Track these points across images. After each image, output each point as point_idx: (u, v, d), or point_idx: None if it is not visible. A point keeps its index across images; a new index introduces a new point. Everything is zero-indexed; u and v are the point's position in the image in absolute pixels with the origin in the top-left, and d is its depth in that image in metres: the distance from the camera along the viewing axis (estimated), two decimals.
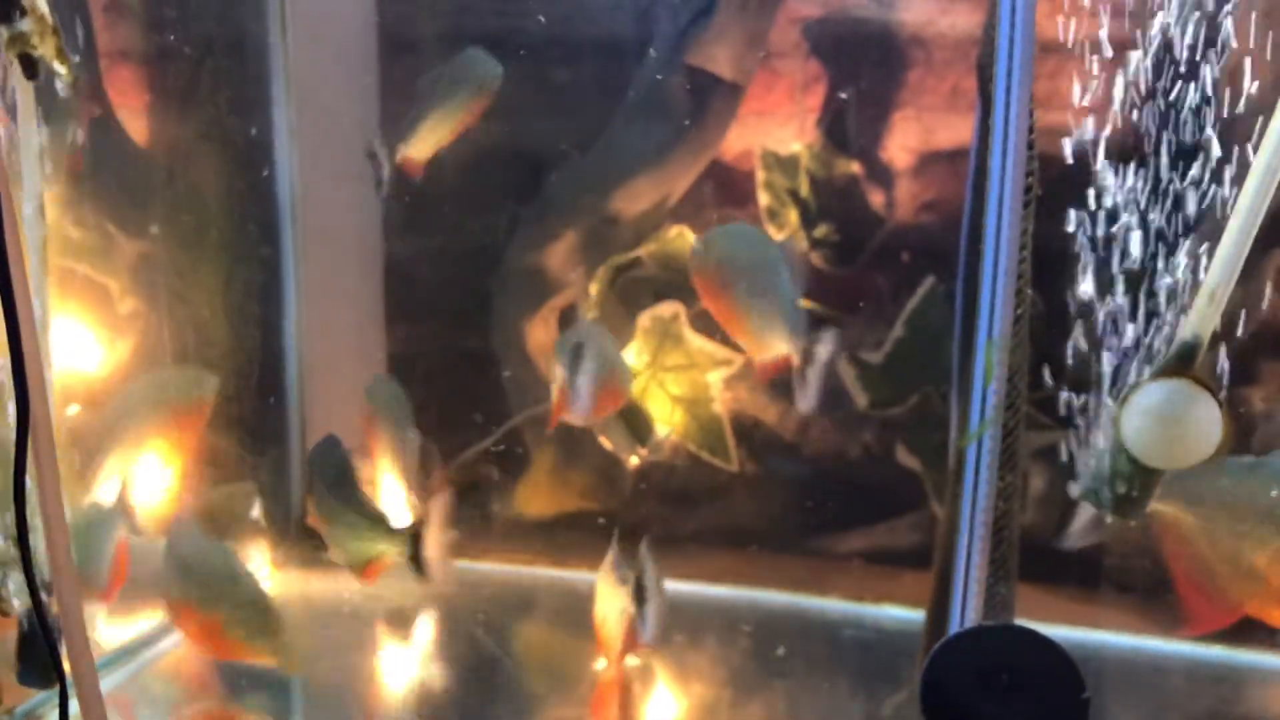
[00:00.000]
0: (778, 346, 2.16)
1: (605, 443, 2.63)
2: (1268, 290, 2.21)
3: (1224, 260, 1.13)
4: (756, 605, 2.59)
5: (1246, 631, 2.31)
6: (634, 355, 2.58)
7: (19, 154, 2.00)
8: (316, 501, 2.24)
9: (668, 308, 2.55)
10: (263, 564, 2.65)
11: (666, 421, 2.57)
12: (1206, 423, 1.15)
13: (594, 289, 2.66)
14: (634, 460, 2.61)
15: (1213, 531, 1.54)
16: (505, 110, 2.81)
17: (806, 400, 2.08)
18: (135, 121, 2.77)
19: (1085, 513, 1.62)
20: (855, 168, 2.87)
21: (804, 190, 2.81)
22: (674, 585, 2.59)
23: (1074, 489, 1.23)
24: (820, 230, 2.80)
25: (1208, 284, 1.15)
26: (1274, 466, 1.54)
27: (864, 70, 2.79)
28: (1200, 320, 1.15)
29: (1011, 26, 1.17)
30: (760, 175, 2.80)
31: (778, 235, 2.78)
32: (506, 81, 2.78)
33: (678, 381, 2.54)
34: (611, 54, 2.71)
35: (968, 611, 1.24)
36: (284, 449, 2.74)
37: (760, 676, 2.35)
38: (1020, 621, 1.79)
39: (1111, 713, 2.21)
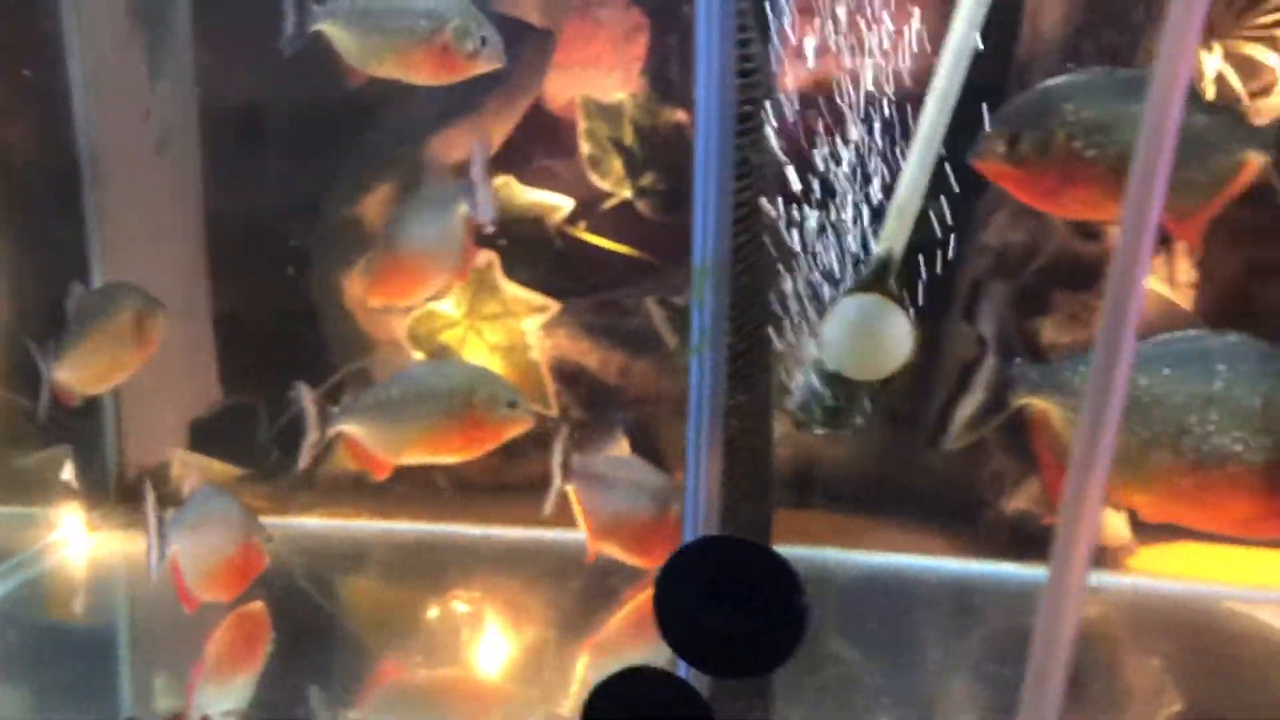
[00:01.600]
0: None
1: None
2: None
3: (909, 180, 1.19)
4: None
5: (1040, 548, 2.43)
6: (451, 305, 2.58)
7: None
8: None
9: (481, 256, 2.56)
10: (76, 526, 2.61)
11: None
12: (898, 334, 1.21)
13: None
14: None
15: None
16: (319, 62, 2.77)
17: None
18: None
19: (960, 414, 1.68)
20: (681, 116, 2.90)
21: (628, 139, 2.83)
22: (505, 532, 2.62)
23: (789, 404, 1.28)
24: (645, 179, 2.83)
25: (895, 203, 1.20)
26: (1142, 357, 1.62)
27: (687, 18, 2.81)
28: (891, 237, 1.21)
29: None
30: (582, 124, 2.81)
31: (601, 183, 2.80)
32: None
33: (494, 330, 2.55)
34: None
35: (697, 527, 1.28)
36: (98, 412, 2.69)
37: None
38: (778, 543, 1.86)
39: (920, 632, 2.32)
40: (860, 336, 1.19)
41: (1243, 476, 1.54)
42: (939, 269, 1.29)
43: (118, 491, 2.71)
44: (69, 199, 2.59)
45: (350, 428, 2.21)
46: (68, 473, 2.62)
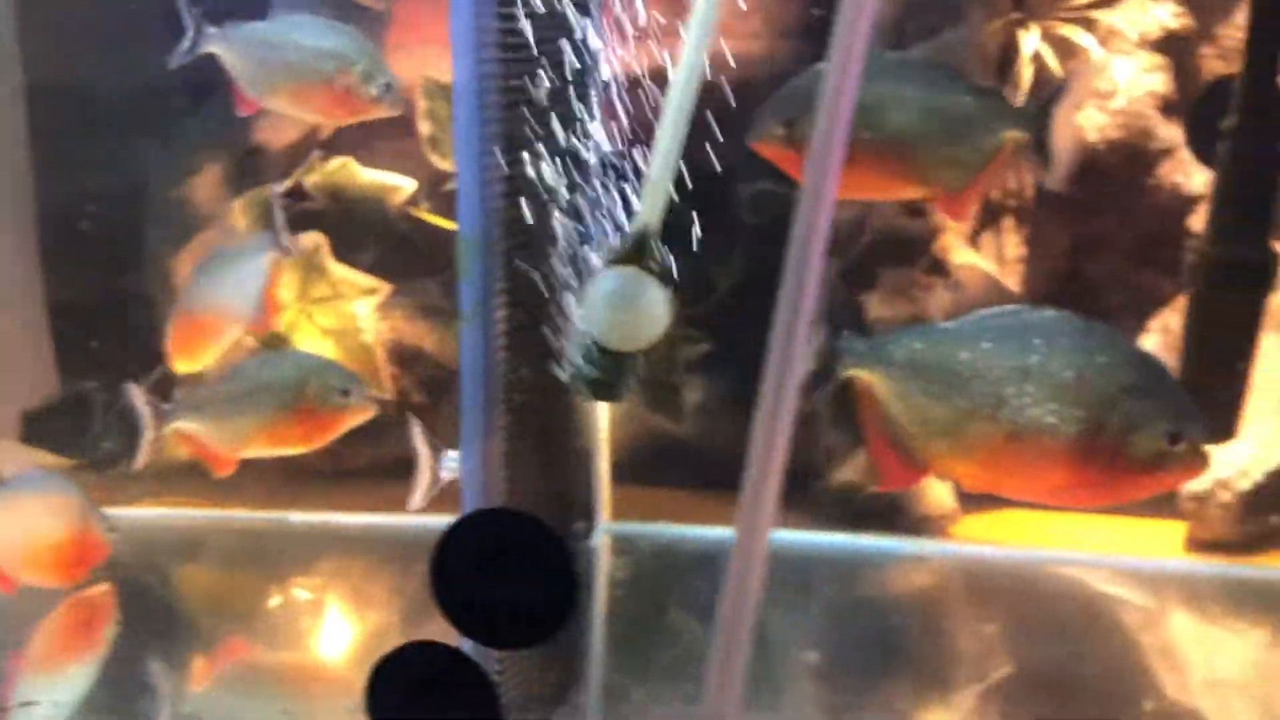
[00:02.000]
0: None
1: None
2: None
3: (661, 155, 1.20)
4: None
5: (864, 519, 2.49)
6: (283, 289, 2.55)
7: None
8: None
9: (309, 239, 2.53)
10: None
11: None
12: (655, 306, 1.23)
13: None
14: None
15: (904, 393, 1.66)
16: (146, 42, 2.71)
17: None
18: None
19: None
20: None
21: None
22: (344, 519, 2.60)
23: (562, 375, 1.29)
24: None
25: (650, 178, 1.22)
26: (964, 331, 1.67)
27: None
28: (647, 211, 1.23)
29: None
30: (421, 104, 2.79)
31: (441, 163, 2.78)
32: (149, 11, 2.68)
33: (325, 314, 2.53)
34: None
35: (475, 500, 1.28)
36: None
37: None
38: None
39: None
40: (619, 309, 1.21)
41: (1056, 447, 1.60)
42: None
43: None
44: None
45: (187, 425, 2.18)
46: None
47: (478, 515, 1.34)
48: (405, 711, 1.37)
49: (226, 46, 2.20)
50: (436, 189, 2.82)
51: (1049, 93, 1.77)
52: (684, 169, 1.27)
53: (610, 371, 1.23)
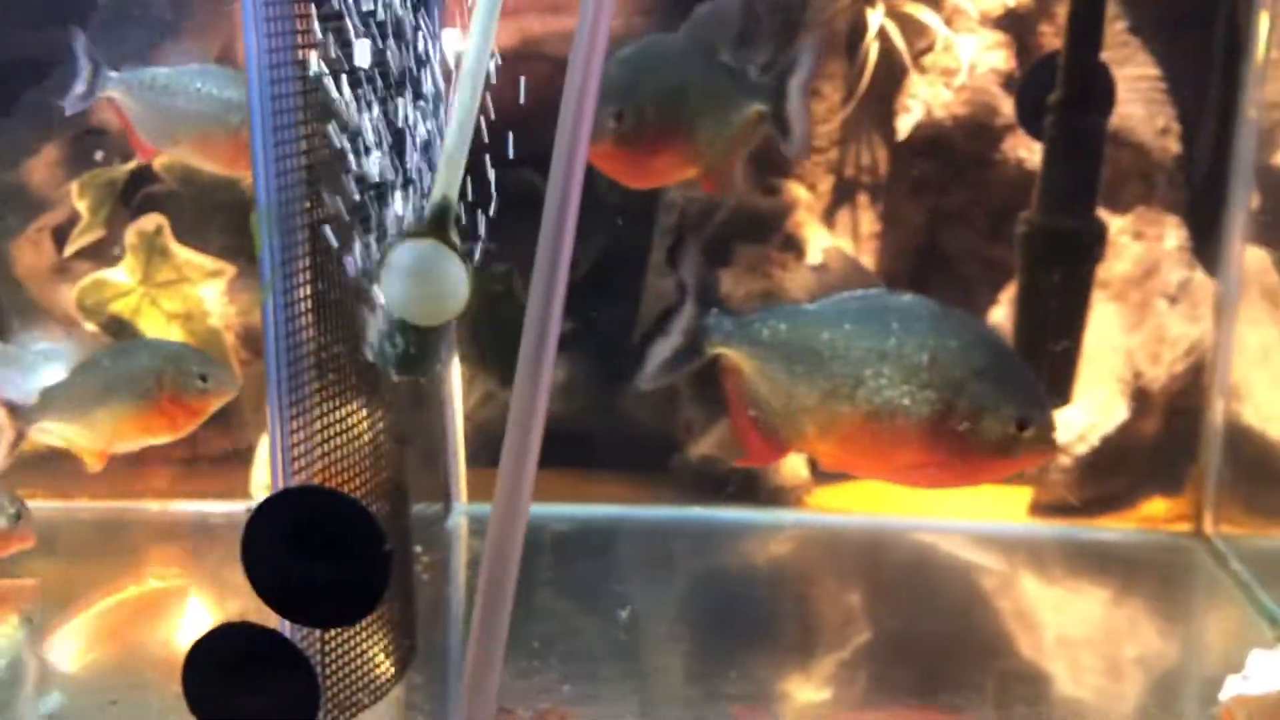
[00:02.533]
0: None
1: None
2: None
3: (457, 126, 1.20)
4: None
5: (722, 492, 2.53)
6: (124, 273, 2.48)
7: None
8: None
9: (150, 221, 2.46)
10: None
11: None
12: (454, 280, 1.23)
13: (83, 206, 2.53)
14: None
15: (769, 373, 1.68)
16: None
17: None
18: None
19: (656, 357, 1.73)
20: None
21: None
22: (213, 506, 2.56)
23: (368, 352, 1.29)
24: None
25: (445, 150, 1.22)
26: (826, 313, 1.71)
27: None
28: (444, 184, 1.22)
29: None
30: None
31: None
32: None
33: (170, 297, 2.47)
34: None
35: (285, 478, 1.27)
36: None
37: None
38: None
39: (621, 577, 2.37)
40: (418, 283, 1.20)
41: (909, 428, 1.64)
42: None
43: None
44: None
45: (49, 424, 2.16)
46: None
47: (285, 494, 1.32)
48: (220, 690, 1.35)
49: (125, 92, 2.20)
50: None
51: (783, 64, 1.82)
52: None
53: (415, 346, 1.22)
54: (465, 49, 1.16)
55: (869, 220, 2.76)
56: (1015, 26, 2.63)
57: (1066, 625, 2.24)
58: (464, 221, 1.21)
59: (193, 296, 2.45)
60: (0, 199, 2.54)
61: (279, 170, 1.20)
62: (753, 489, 2.51)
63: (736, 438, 1.83)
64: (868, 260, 2.73)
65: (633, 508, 2.59)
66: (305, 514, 1.30)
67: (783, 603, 2.34)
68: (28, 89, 2.54)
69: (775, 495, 2.51)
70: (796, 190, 2.64)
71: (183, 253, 2.46)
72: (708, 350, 1.76)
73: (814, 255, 2.58)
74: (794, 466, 2.53)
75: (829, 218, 2.71)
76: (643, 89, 1.73)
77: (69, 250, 2.52)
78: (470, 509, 2.58)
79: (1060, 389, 2.16)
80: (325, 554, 1.28)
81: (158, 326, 2.47)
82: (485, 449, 2.58)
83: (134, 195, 2.60)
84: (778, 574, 2.48)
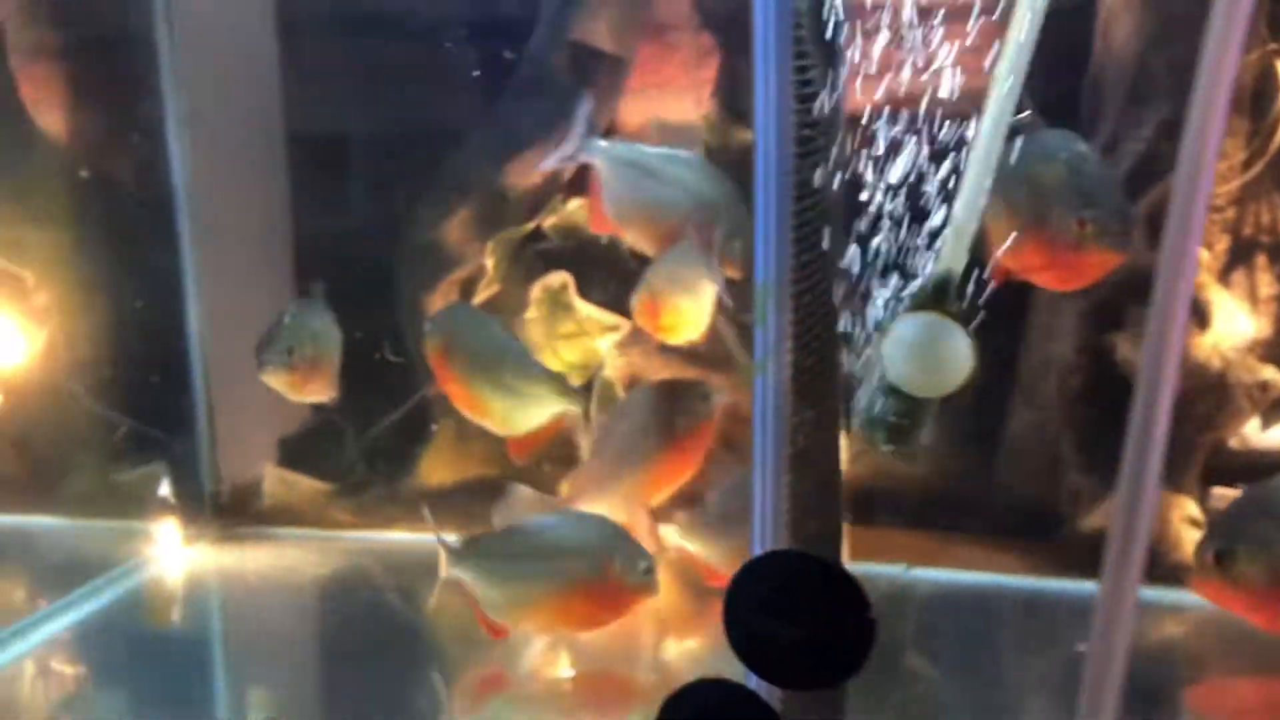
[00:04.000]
0: (519, 424, 2.21)
1: None
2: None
3: (967, 200, 1.21)
4: None
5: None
6: (528, 325, 2.65)
7: None
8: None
9: (556, 277, 2.62)
10: (173, 540, 2.72)
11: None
12: (959, 353, 1.23)
13: (489, 262, 2.72)
14: None
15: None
16: (400, 91, 2.87)
17: None
18: (42, 114, 2.83)
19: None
20: (751, 137, 2.94)
21: None
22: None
23: (854, 424, 1.31)
24: None
25: (954, 222, 1.23)
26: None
27: None
28: (950, 256, 1.23)
29: None
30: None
31: None
32: (401, 62, 2.83)
33: (570, 349, 2.61)
34: (499, 33, 2.78)
35: (764, 541, 1.31)
36: (193, 430, 2.80)
37: None
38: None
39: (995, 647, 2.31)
40: (922, 355, 1.22)
41: None
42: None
43: (212, 507, 2.82)
44: (165, 226, 2.72)
45: (463, 575, 2.03)
46: (165, 488, 2.74)
47: (771, 556, 1.36)
48: None
49: (607, 161, 2.20)
50: None
51: None
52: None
53: (908, 418, 1.24)
54: (978, 129, 1.18)
55: (1267, 282, 2.60)
56: None
57: None
58: (961, 293, 1.22)
59: (591, 349, 2.59)
60: (421, 256, 2.76)
61: (779, 241, 1.25)
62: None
63: None
64: (1265, 323, 2.56)
65: (1011, 577, 2.51)
66: (787, 576, 1.33)
67: (1171, 687, 2.21)
68: (447, 154, 2.77)
69: (1174, 572, 2.38)
70: None
71: (584, 307, 2.60)
72: None
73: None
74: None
75: (1225, 278, 2.57)
76: None
77: (476, 302, 2.72)
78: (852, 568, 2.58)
79: None
80: (808, 618, 1.30)
81: None
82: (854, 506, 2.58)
83: (523, 252, 2.78)
84: (1171, 656, 2.35)
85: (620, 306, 2.69)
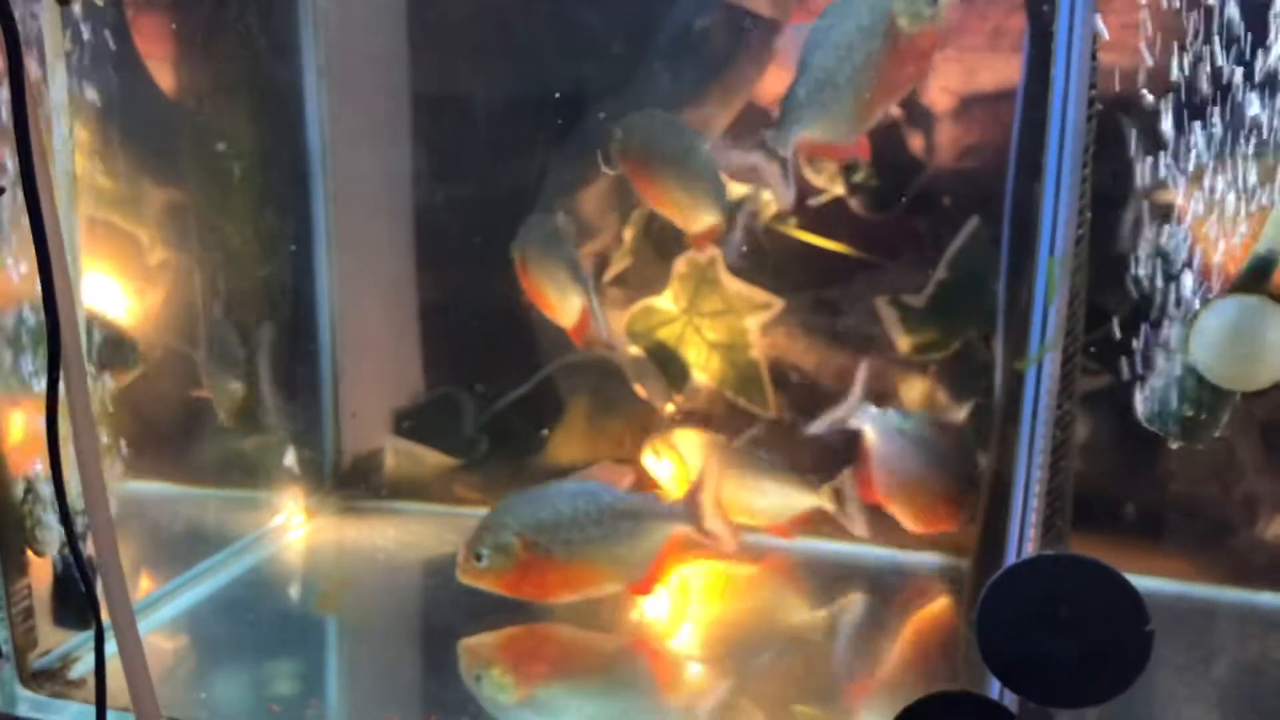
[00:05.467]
0: (704, 219, 2.36)
1: (640, 390, 2.59)
2: None
3: None
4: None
5: None
6: (669, 301, 2.54)
7: (48, 98, 1.98)
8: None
9: (708, 251, 2.50)
10: (296, 511, 2.64)
11: (703, 368, 2.53)
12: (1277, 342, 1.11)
13: (628, 234, 2.61)
14: (669, 408, 2.57)
15: None
16: (534, 54, 2.76)
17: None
18: (162, 68, 2.74)
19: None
20: (895, 111, 2.80)
21: None
22: None
23: (1140, 412, 1.19)
24: (859, 175, 2.74)
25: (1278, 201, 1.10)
26: None
27: None
28: (1276, 235, 1.10)
29: None
30: None
31: (815, 180, 2.72)
32: (535, 25, 2.72)
33: (714, 327, 2.50)
34: None
35: (1024, 543, 1.20)
36: (317, 398, 2.72)
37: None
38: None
39: (1163, 658, 2.17)
40: (1239, 342, 1.10)
41: None
42: None
43: (333, 478, 2.74)
44: (298, 189, 2.63)
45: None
46: (290, 458, 2.66)
47: (1036, 561, 1.24)
48: None
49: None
50: (802, 204, 2.76)
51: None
52: None
53: (1207, 411, 1.12)
54: None
55: None
56: None
57: None
58: None
59: (738, 328, 2.48)
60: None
61: (1068, 213, 1.13)
62: None
63: None
64: None
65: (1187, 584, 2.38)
66: (1054, 583, 1.21)
67: None
68: (581, 121, 2.66)
69: None
70: None
71: (734, 284, 2.49)
72: None
73: None
74: None
75: None
76: None
77: (608, 277, 2.61)
78: None
79: None
80: (1078, 629, 1.19)
81: (699, 354, 2.51)
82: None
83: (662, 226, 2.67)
84: None
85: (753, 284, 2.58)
